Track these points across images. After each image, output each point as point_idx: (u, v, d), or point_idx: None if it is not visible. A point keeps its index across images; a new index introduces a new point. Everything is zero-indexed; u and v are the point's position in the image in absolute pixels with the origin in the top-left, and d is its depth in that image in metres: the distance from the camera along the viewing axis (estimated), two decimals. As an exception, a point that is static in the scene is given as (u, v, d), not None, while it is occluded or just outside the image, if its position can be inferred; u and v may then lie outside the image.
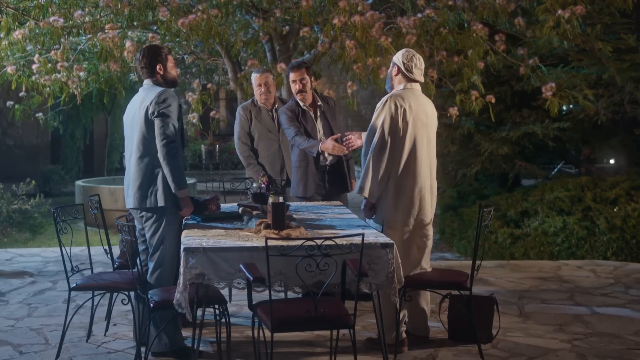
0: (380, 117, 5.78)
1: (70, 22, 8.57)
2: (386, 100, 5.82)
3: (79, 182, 14.21)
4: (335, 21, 8.29)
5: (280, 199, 5.44)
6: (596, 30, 9.55)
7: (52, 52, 8.81)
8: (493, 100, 9.15)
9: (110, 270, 6.43)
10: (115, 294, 6.27)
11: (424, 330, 6.05)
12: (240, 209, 6.22)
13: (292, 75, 7.04)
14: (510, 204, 11.32)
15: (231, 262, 4.94)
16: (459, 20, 8.76)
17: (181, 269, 4.92)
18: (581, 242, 10.09)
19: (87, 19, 8.64)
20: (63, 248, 5.81)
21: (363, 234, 4.67)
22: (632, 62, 10.43)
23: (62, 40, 8.98)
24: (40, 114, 11.25)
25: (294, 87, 7.05)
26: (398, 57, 6.01)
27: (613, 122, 12.35)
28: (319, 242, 4.46)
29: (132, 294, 5.72)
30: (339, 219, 6.04)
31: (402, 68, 5.94)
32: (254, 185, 6.39)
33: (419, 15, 8.51)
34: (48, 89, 9.08)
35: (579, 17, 8.34)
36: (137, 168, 5.64)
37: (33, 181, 11.12)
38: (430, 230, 5.91)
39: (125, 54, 8.64)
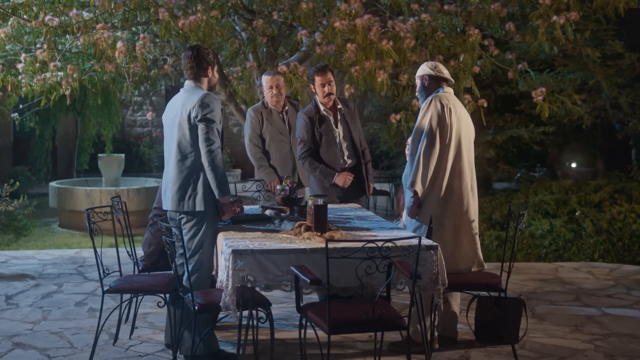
0: (427, 115, 5.87)
1: (55, 22, 8.41)
2: (431, 100, 5.91)
3: (52, 184, 13.99)
4: (337, 24, 8.32)
5: (320, 202, 5.46)
6: (585, 36, 9.74)
7: (38, 52, 8.67)
8: (485, 104, 9.26)
9: (131, 274, 6.31)
10: (140, 297, 6.19)
11: (452, 331, 6.12)
12: (268, 212, 6.22)
13: (318, 79, 6.99)
14: (495, 206, 11.47)
15: (279, 265, 4.94)
16: (451, 24, 8.87)
17: (229, 272, 4.90)
18: (568, 244, 10.26)
19: (80, 18, 8.50)
20: (96, 250, 5.65)
21: (420, 237, 4.71)
22: (618, 68, 10.66)
23: (55, 39, 8.89)
24: (16, 114, 11.09)
25: (322, 91, 6.99)
26: (423, 69, 6.14)
27: (593, 126, 12.59)
28: (379, 244, 4.49)
29: (166, 296, 5.67)
30: (368, 221, 6.08)
31: (433, 73, 6.04)
32: (277, 187, 6.37)
33: (412, 19, 8.58)
34: (24, 89, 8.93)
35: (572, 23, 8.51)
36: (177, 171, 5.56)
37: (17, 182, 10.92)
38: (476, 228, 6.01)
39: (116, 54, 8.56)
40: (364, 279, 4.87)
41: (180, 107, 5.57)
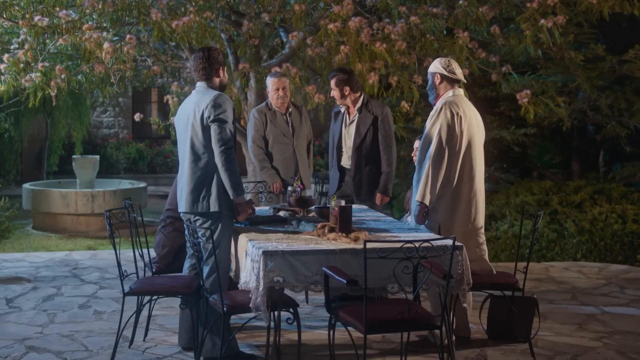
0: (437, 124, 5.89)
1: (45, 22, 8.33)
2: (441, 108, 5.93)
3: (26, 186, 13.83)
4: (331, 26, 8.38)
5: (343, 202, 5.51)
6: (569, 39, 9.90)
7: (21, 52, 8.60)
8: (471, 106, 9.35)
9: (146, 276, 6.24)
10: (154, 299, 6.14)
11: (465, 330, 6.19)
12: (281, 213, 6.23)
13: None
14: (476, 207, 11.58)
15: (308, 265, 4.98)
16: (438, 27, 8.95)
17: (260, 273, 4.91)
18: (551, 244, 10.42)
19: (69, 18, 8.43)
20: (117, 252, 5.61)
21: (454, 237, 4.78)
22: (599, 71, 10.86)
23: (45, 39, 8.83)
24: (-9, 116, 10.97)
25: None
26: (436, 66, 6.12)
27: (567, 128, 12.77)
28: (417, 244, 4.54)
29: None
30: (383, 222, 6.14)
31: (446, 73, 6.07)
32: (289, 189, 6.40)
33: (400, 21, 8.67)
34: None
35: (559, 26, 8.65)
36: (191, 172, 5.57)
37: (-1, 184, 10.79)
38: (483, 233, 6.06)
39: (103, 55, 8.52)
40: (390, 279, 4.96)
41: (192, 108, 5.58)
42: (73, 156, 14.87)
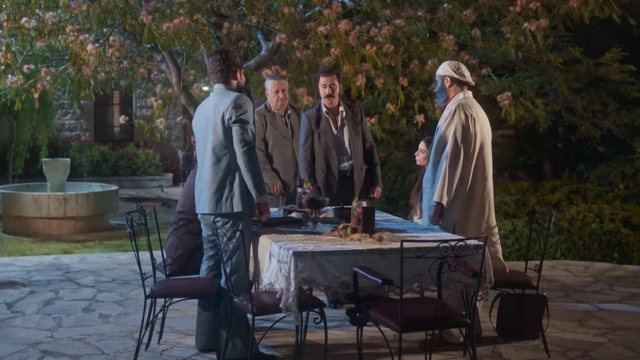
0: (451, 126, 5.99)
1: (32, 24, 8.26)
2: (455, 110, 6.03)
3: (-3, 189, 13.62)
4: (321, 29, 8.46)
5: (364, 203, 5.57)
6: (548, 42, 10.11)
7: (0, 55, 8.53)
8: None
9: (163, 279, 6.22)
10: (167, 301, 6.12)
11: (477, 328, 6.27)
12: (294, 214, 6.27)
13: (322, 80, 7.19)
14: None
15: (337, 266, 5.04)
16: (423, 29, 9.07)
17: (291, 274, 4.95)
18: (531, 243, 10.59)
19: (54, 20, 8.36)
20: (137, 255, 5.60)
21: (486, 237, 4.87)
22: (577, 74, 11.10)
23: (31, 41, 8.75)
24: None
25: (323, 91, 7.21)
26: (446, 69, 6.21)
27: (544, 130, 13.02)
28: (452, 243, 4.62)
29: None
30: (394, 223, 6.23)
31: (455, 76, 6.16)
32: (299, 190, 6.44)
33: (384, 24, 8.78)
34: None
35: (542, 30, 8.84)
36: (212, 173, 5.59)
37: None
38: (496, 233, 6.18)
39: (87, 57, 8.48)
40: (416, 279, 5.06)
41: (212, 110, 5.61)
42: (43, 159, 14.66)
